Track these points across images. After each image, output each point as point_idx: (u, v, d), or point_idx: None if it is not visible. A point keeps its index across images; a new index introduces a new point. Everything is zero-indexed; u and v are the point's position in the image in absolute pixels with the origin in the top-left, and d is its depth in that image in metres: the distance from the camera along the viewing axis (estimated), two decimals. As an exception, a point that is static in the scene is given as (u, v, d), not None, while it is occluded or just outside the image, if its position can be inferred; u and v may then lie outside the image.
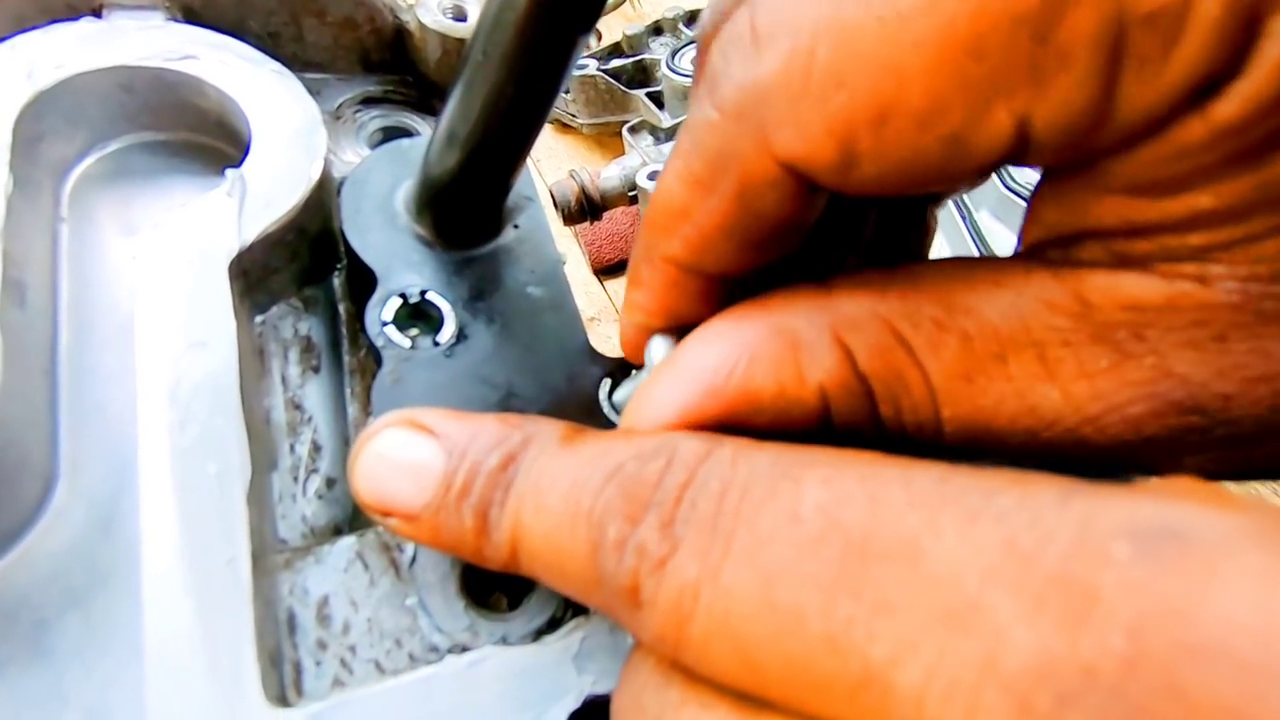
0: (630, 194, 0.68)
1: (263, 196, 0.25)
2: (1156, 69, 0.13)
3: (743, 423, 0.18)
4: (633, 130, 0.75)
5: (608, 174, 0.68)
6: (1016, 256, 0.17)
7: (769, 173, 0.16)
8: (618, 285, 0.80)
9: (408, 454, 0.19)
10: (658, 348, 0.22)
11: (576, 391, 0.26)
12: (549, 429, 0.18)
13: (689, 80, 0.77)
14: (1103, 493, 0.11)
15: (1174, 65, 0.13)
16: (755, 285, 0.20)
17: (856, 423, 0.17)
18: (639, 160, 0.68)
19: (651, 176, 0.64)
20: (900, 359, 0.16)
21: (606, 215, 0.72)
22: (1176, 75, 0.13)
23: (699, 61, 0.21)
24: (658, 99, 0.82)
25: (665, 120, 0.77)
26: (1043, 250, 0.16)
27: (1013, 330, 0.15)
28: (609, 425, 0.26)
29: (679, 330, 0.22)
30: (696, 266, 0.18)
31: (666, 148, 0.71)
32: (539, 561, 0.17)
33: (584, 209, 0.66)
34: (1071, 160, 0.15)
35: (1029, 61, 0.13)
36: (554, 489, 0.17)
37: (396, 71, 0.35)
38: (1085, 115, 0.13)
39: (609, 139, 0.90)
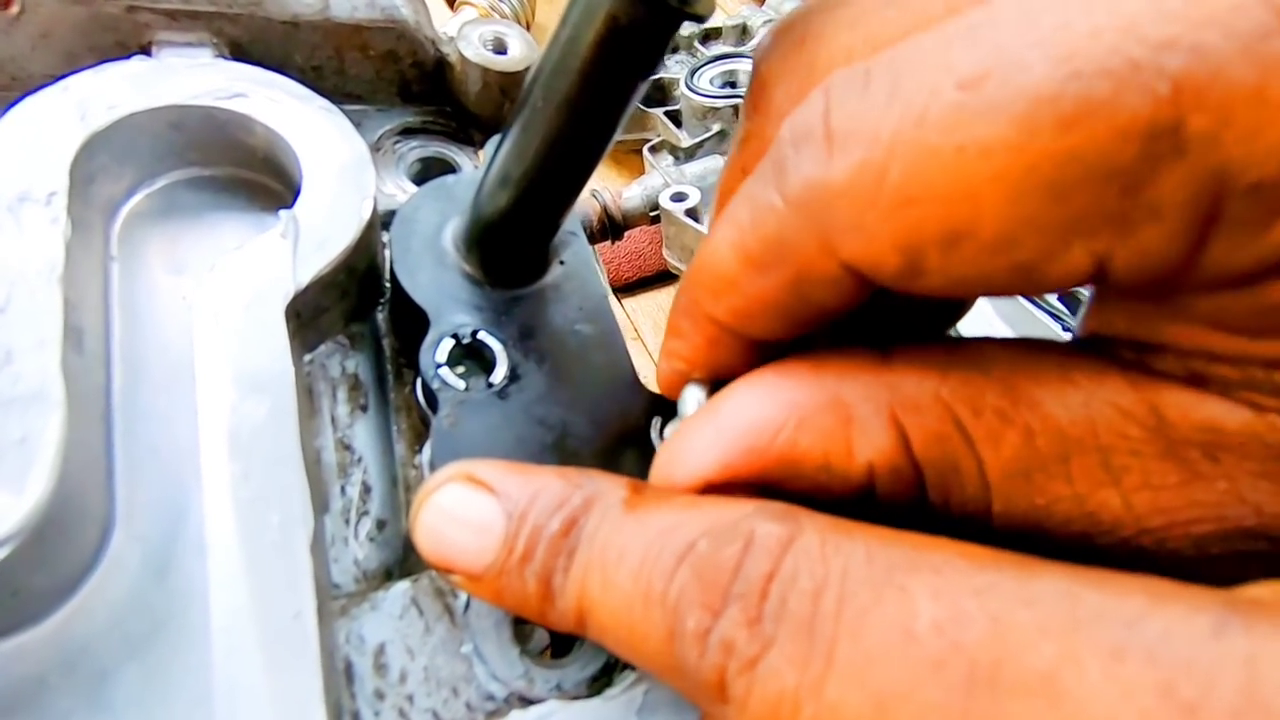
0: (652, 214, 0.68)
1: (316, 237, 0.25)
2: (1253, 235, 0.12)
3: (779, 486, 0.17)
4: (653, 150, 0.75)
5: (629, 194, 0.68)
6: (1084, 347, 0.16)
7: (828, 270, 0.15)
8: (636, 304, 0.80)
9: (468, 512, 0.19)
10: (691, 398, 0.21)
11: (629, 429, 0.26)
12: (611, 490, 0.18)
13: (707, 99, 0.77)
14: (1259, 626, 0.11)
15: (1274, 234, 0.12)
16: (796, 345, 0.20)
17: (900, 501, 0.17)
18: (661, 180, 0.68)
19: (675, 198, 0.64)
20: (957, 448, 0.16)
21: (626, 234, 0.72)
22: (1276, 243, 0.12)
23: (752, 97, 0.20)
24: (675, 117, 0.82)
25: (684, 139, 0.77)
26: (1113, 347, 0.16)
27: (1079, 432, 0.15)
28: (661, 465, 0.25)
29: (715, 382, 0.22)
30: (740, 331, 0.18)
31: (687, 168, 0.71)
32: (609, 636, 0.17)
33: (605, 229, 0.65)
34: (1150, 293, 0.15)
35: (1115, 210, 0.13)
36: (622, 565, 0.16)
37: (434, 102, 0.35)
38: (1170, 265, 0.13)
39: (625, 156, 0.90)
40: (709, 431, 0.18)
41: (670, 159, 0.75)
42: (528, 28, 1.03)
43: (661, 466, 0.19)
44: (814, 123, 0.15)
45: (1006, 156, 0.13)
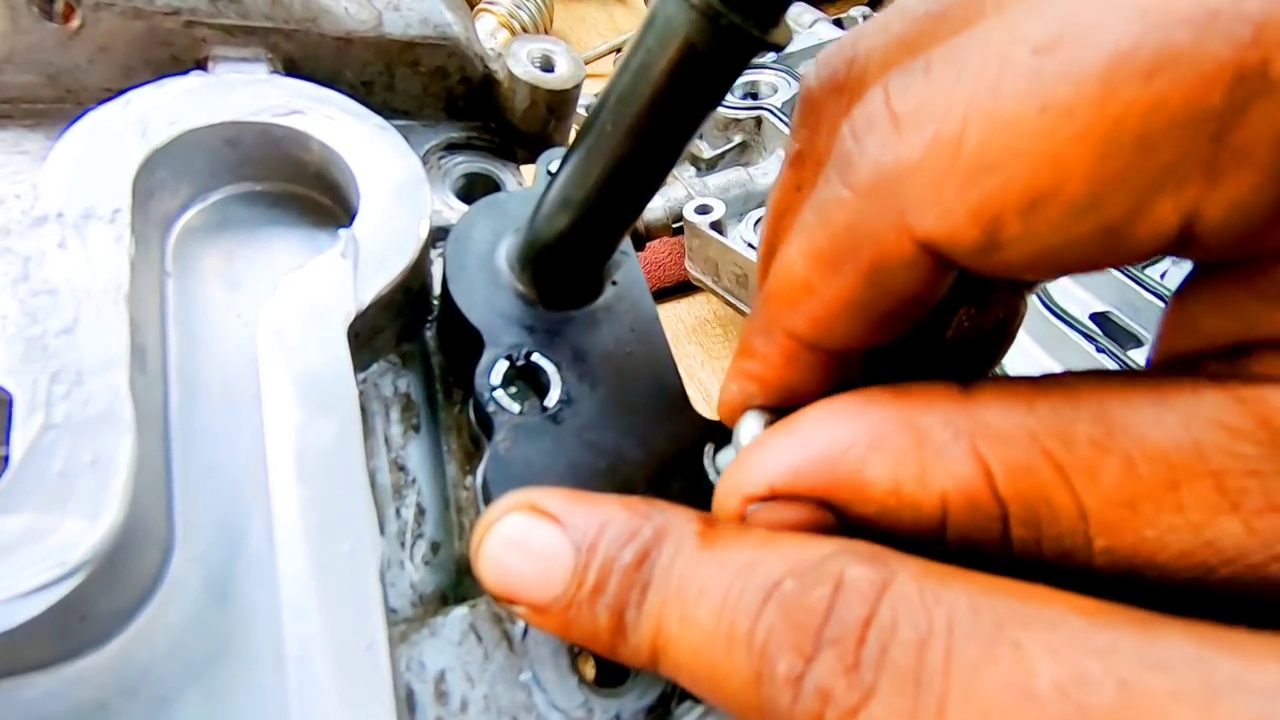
0: (674, 225, 0.68)
1: (375, 257, 0.25)
2: None
3: (844, 508, 0.17)
4: (676, 161, 0.75)
5: (653, 205, 0.68)
6: (1169, 369, 0.16)
7: (904, 252, 0.15)
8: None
9: (533, 542, 0.18)
10: (750, 425, 0.21)
11: (681, 455, 0.26)
12: (682, 523, 0.18)
13: (729, 111, 0.77)
14: None
15: None
16: (870, 363, 0.20)
17: (976, 542, 0.16)
18: (684, 192, 0.68)
19: (700, 210, 0.64)
20: (1049, 481, 0.15)
21: (648, 245, 0.72)
22: None
23: (802, 114, 0.20)
24: (697, 128, 0.82)
25: (706, 151, 0.77)
26: (1200, 362, 0.15)
27: (1185, 457, 0.14)
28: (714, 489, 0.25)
29: (776, 410, 0.22)
30: (818, 342, 0.18)
31: (710, 179, 0.71)
32: (686, 674, 0.17)
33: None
34: (1239, 257, 0.14)
35: (1203, 158, 0.12)
36: (702, 602, 0.16)
37: (479, 118, 0.35)
38: (1261, 215, 0.13)
39: (644, 166, 0.90)
40: (783, 440, 0.18)
41: (692, 170, 0.75)
42: (545, 35, 1.03)
43: (732, 472, 0.19)
44: (876, 112, 0.15)
45: (1091, 112, 0.13)
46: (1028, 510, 0.15)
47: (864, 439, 0.17)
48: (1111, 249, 0.14)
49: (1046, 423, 0.15)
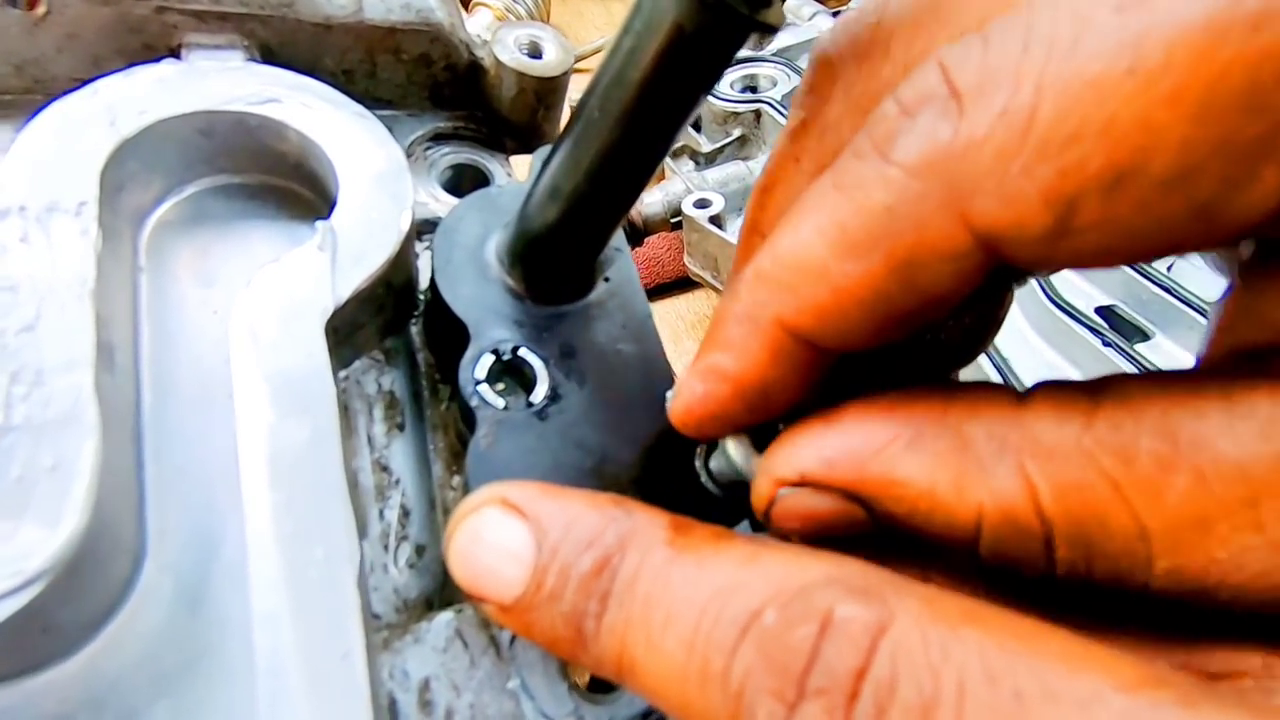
0: (673, 220, 0.67)
1: (354, 250, 0.24)
2: None
3: (874, 505, 0.16)
4: (674, 155, 0.74)
5: (650, 200, 0.67)
6: (1232, 367, 0.14)
7: (955, 242, 0.14)
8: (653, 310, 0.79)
9: (501, 538, 0.17)
10: (739, 449, 0.20)
11: (671, 457, 0.25)
12: (649, 528, 0.16)
13: (727, 104, 0.76)
14: None
15: None
16: (853, 369, 0.18)
17: (1013, 558, 0.15)
18: (682, 186, 0.67)
19: (699, 205, 0.63)
20: (1104, 501, 0.13)
21: (645, 240, 0.71)
22: None
23: (813, 80, 0.19)
24: (695, 122, 0.81)
25: (704, 144, 0.76)
26: (1269, 357, 0.14)
27: (1265, 470, 0.12)
28: (706, 493, 0.24)
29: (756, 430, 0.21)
30: (813, 336, 0.16)
31: (709, 173, 0.70)
32: (659, 701, 0.15)
33: (626, 234, 0.64)
34: None
35: None
36: (670, 628, 0.15)
37: (466, 107, 0.34)
38: None
39: (642, 160, 0.89)
40: (819, 428, 0.17)
41: (691, 164, 0.74)
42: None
43: (768, 455, 0.17)
44: (932, 87, 0.14)
45: (1188, 69, 0.11)
46: (1077, 530, 0.14)
47: (902, 437, 0.15)
48: (1201, 229, 0.12)
49: (1104, 437, 0.14)
